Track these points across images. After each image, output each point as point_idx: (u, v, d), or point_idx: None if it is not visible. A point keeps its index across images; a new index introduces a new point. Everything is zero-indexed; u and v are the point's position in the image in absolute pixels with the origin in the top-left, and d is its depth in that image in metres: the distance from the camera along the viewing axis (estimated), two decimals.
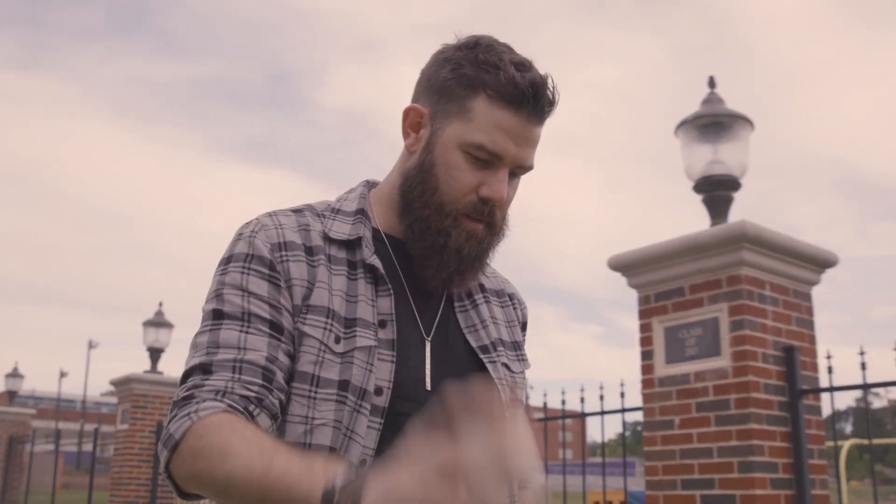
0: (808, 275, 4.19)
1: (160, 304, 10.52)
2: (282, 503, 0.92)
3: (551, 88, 1.18)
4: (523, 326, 1.41)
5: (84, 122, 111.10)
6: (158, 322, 10.29)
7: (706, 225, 4.24)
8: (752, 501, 3.64)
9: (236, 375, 1.08)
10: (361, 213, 1.25)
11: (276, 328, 1.12)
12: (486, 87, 1.16)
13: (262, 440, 0.99)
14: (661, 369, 4.13)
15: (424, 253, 1.20)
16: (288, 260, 1.16)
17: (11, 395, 16.23)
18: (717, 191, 4.29)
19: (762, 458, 3.72)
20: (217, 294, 1.15)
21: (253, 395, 1.07)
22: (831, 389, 3.95)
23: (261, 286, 1.14)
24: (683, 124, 4.45)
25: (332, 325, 1.14)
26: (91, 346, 38.98)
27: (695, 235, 4.04)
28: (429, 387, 1.16)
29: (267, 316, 1.12)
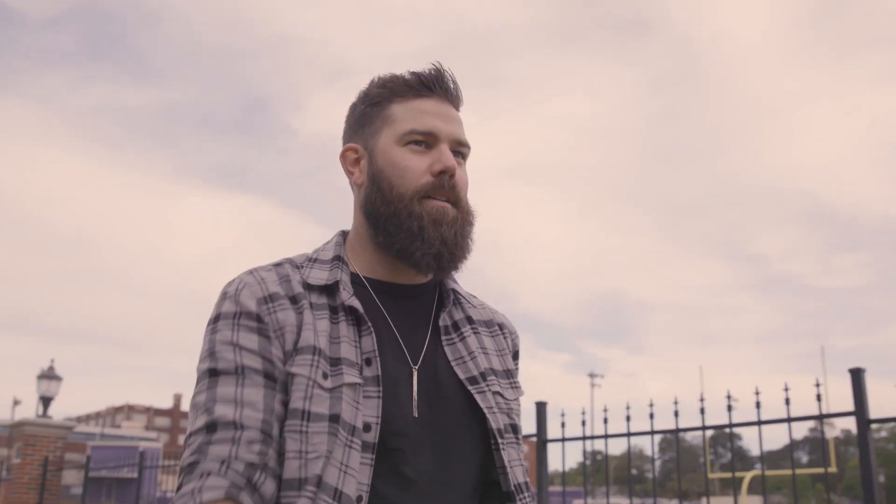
0: None
1: (52, 361, 13.09)
2: None
3: (449, 71, 1.30)
4: (515, 355, 1.43)
5: (51, 148, 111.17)
6: (50, 375, 12.83)
7: None
8: None
9: (238, 433, 1.10)
10: (338, 259, 1.29)
11: (269, 377, 1.15)
12: (395, 94, 1.30)
13: None
14: None
15: (406, 242, 1.24)
16: (276, 311, 1.19)
17: None
18: None
19: None
20: (210, 353, 1.17)
21: (257, 459, 1.10)
22: None
23: (251, 340, 1.17)
24: None
25: (318, 361, 1.16)
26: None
27: None
28: (416, 414, 1.20)
29: (260, 367, 1.15)
